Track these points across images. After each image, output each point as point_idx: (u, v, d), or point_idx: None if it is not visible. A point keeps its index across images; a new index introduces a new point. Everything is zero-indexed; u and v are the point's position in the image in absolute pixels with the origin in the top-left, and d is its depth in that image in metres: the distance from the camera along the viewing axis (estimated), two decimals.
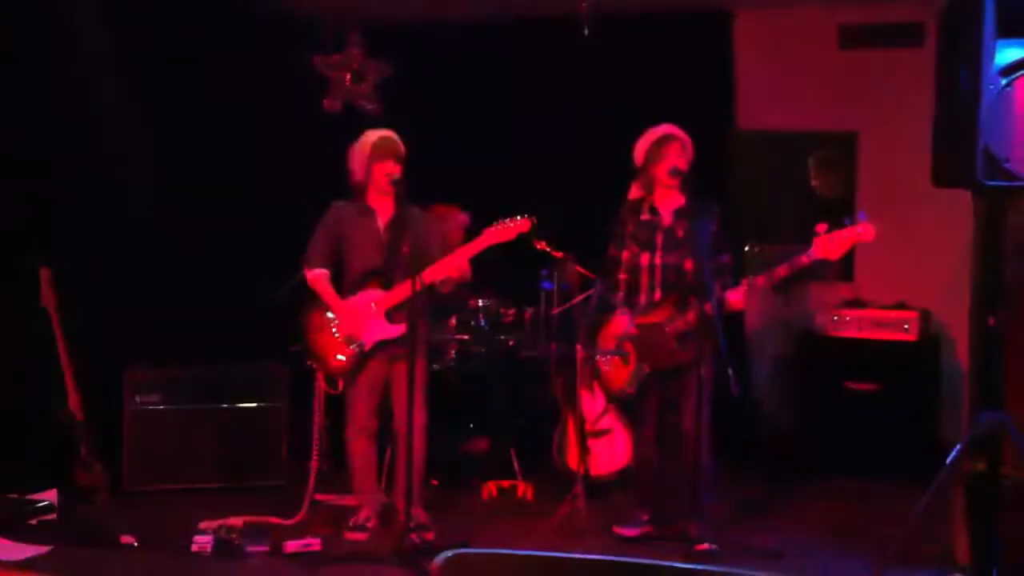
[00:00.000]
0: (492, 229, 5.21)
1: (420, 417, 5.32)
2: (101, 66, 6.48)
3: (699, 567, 2.05)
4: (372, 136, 5.42)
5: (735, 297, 5.04)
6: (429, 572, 4.55)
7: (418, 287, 5.06)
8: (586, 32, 6.68)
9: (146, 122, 6.65)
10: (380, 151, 5.37)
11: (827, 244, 4.88)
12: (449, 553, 1.98)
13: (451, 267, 5.26)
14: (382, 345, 5.34)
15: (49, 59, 6.21)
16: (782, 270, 4.96)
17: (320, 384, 5.52)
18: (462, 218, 6.52)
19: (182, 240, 6.91)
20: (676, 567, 2.16)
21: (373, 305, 5.33)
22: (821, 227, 4.92)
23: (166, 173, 6.78)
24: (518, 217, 5.19)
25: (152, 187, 6.74)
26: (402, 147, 5.41)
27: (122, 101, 6.54)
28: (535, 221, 5.21)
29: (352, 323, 5.34)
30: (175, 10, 6.70)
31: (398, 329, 5.26)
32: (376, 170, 5.36)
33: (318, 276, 5.44)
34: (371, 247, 5.40)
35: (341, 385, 5.41)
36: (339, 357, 5.36)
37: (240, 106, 7.05)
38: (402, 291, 5.25)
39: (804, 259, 4.92)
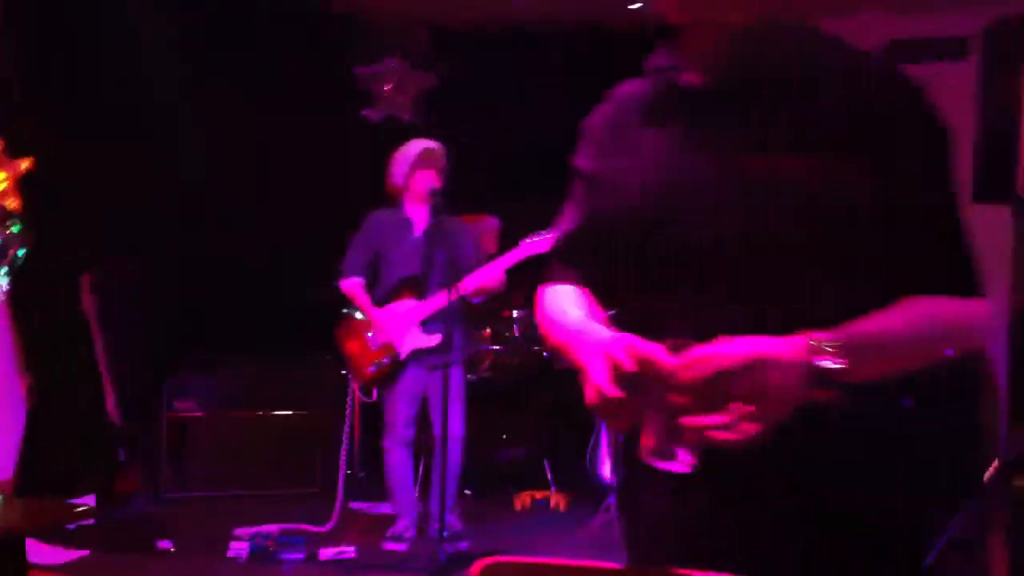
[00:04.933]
0: (528, 241, 5.23)
1: (457, 427, 5.33)
2: (145, 64, 6.54)
3: None
4: (418, 145, 5.44)
5: None
6: None
7: (455, 296, 5.09)
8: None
9: (189, 125, 6.70)
10: (425, 160, 5.39)
11: None
12: (485, 561, 1.98)
13: (487, 278, 5.27)
14: (418, 354, 5.35)
15: (99, 50, 6.26)
16: None
17: (355, 392, 5.55)
18: (492, 222, 6.52)
19: (221, 249, 6.95)
20: None
21: (408, 314, 5.37)
22: None
23: (210, 180, 6.82)
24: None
25: (195, 194, 6.78)
26: (445, 160, 5.44)
27: (168, 101, 6.60)
28: None
29: (387, 332, 5.37)
30: (223, 22, 6.77)
31: (434, 339, 5.28)
32: (417, 178, 5.37)
33: (353, 285, 5.47)
34: (408, 256, 5.41)
35: (375, 394, 5.44)
36: (373, 367, 5.38)
37: (282, 113, 7.09)
38: (438, 300, 5.27)
39: None
